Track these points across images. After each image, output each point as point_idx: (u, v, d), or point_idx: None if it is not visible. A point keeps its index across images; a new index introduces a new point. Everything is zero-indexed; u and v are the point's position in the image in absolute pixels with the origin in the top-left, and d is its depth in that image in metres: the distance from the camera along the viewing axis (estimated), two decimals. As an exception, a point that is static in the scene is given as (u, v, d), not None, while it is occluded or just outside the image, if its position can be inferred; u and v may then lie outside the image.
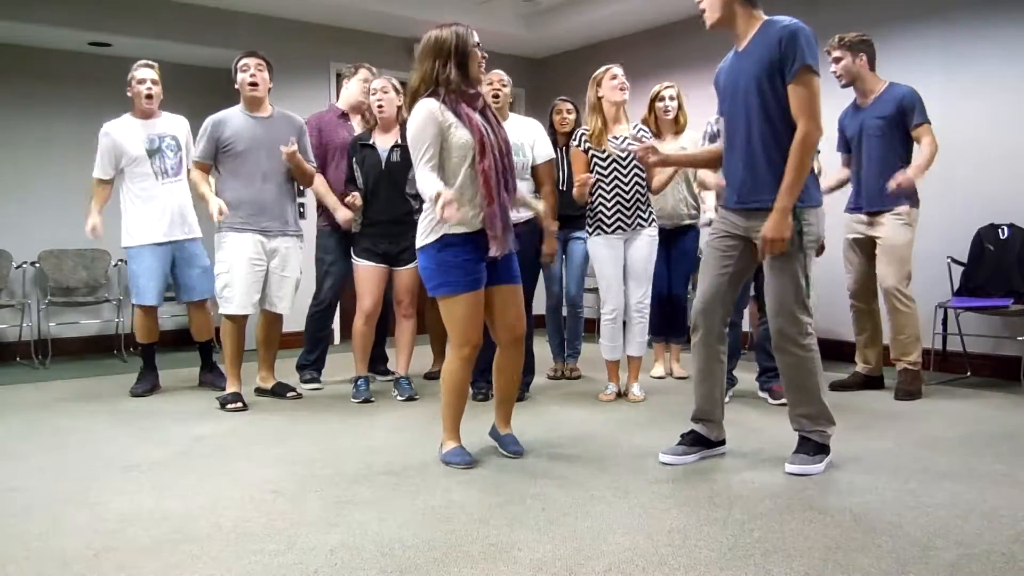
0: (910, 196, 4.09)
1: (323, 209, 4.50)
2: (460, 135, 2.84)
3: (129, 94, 4.40)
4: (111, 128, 4.36)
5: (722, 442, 3.08)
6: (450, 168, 2.87)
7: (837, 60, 4.20)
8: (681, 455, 2.98)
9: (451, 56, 2.86)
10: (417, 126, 2.83)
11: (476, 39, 2.92)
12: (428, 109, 2.83)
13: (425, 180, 2.80)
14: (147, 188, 4.35)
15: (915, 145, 4.11)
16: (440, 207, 2.60)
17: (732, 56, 2.91)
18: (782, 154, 2.73)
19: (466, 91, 2.89)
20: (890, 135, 4.14)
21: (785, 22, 2.72)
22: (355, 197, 4.05)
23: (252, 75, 4.02)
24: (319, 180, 4.34)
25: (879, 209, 4.15)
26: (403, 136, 4.14)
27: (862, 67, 4.18)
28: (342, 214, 4.22)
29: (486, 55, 3.00)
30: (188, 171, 4.39)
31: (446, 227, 2.85)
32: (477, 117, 2.89)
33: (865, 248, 4.28)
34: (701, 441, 3.03)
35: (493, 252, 2.87)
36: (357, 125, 4.58)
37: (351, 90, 4.62)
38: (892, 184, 3.91)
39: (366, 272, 4.16)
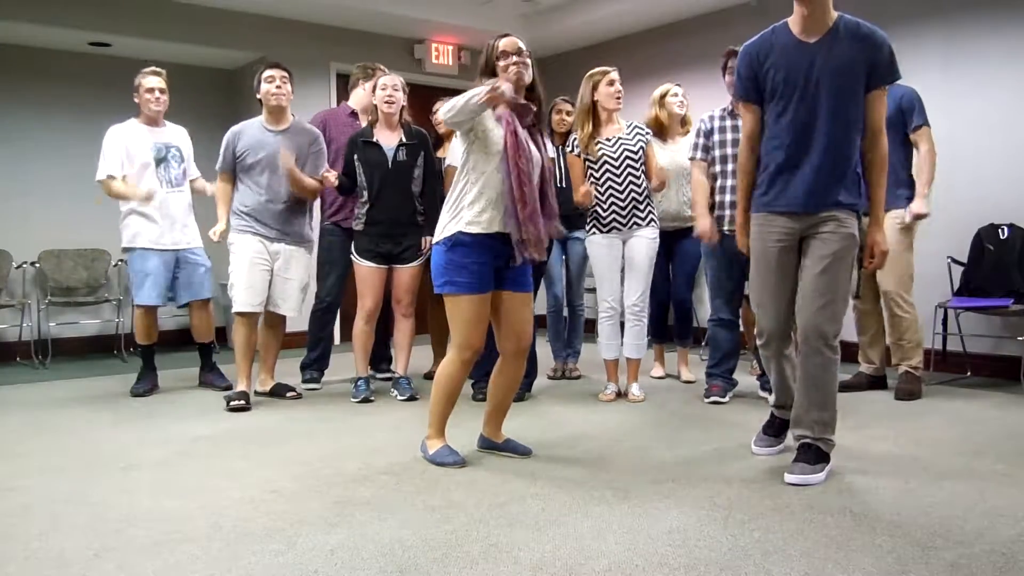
0: (910, 198, 4.08)
1: (328, 206, 4.52)
2: (494, 131, 2.84)
3: (136, 100, 4.42)
4: (119, 131, 4.39)
5: None
6: (477, 162, 2.85)
7: None
8: (774, 446, 3.10)
9: (484, 69, 2.93)
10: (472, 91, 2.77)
11: (500, 48, 2.90)
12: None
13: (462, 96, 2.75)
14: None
15: (915, 148, 4.09)
16: (489, 89, 2.67)
17: (790, 43, 2.68)
18: (851, 158, 2.71)
19: (514, 103, 2.83)
20: (889, 137, 4.08)
21: (873, 26, 2.64)
22: (330, 172, 4.14)
23: (278, 86, 4.12)
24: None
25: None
26: (407, 135, 4.16)
27: None
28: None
29: (517, 62, 2.89)
30: (191, 180, 4.56)
31: (460, 224, 2.84)
32: (517, 125, 2.84)
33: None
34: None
35: (519, 258, 2.85)
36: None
37: (363, 94, 4.58)
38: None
39: (367, 272, 4.15)
